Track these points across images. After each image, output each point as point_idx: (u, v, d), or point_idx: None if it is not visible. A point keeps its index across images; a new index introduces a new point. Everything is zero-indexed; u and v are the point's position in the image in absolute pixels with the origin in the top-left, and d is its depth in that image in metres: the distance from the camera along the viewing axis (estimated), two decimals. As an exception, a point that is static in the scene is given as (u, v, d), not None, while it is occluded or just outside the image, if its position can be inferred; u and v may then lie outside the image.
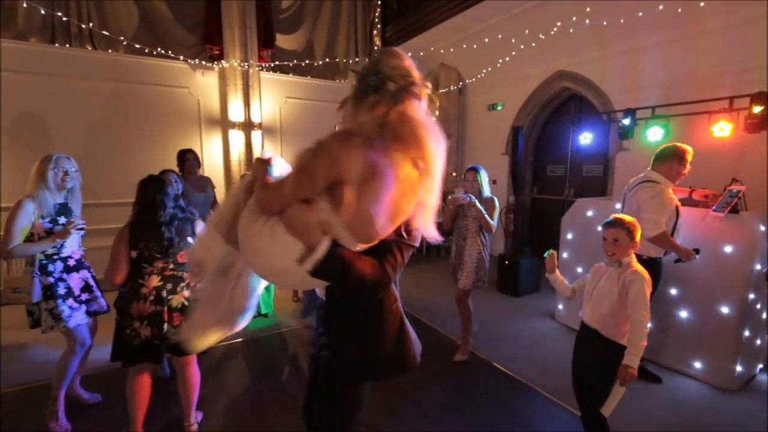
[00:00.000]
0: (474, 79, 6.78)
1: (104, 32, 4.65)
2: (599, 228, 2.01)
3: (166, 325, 1.99)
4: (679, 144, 2.75)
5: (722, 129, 3.41)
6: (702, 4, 3.78)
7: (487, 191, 3.09)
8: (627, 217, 1.90)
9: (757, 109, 3.12)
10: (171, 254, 2.03)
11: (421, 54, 6.57)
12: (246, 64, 5.16)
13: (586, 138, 4.83)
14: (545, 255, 2.18)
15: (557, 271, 2.17)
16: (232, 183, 5.41)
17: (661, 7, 3.98)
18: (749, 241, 2.69)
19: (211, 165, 5.39)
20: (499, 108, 6.66)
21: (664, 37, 4.33)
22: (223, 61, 5.23)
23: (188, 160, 3.65)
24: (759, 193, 3.30)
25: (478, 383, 2.88)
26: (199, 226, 2.10)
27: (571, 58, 5.38)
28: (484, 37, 5.71)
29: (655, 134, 3.77)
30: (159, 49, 4.95)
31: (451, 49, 6.28)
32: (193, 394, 2.21)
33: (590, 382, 1.93)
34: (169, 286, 2.01)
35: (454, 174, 7.44)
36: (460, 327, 3.23)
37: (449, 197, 3.08)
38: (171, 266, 2.03)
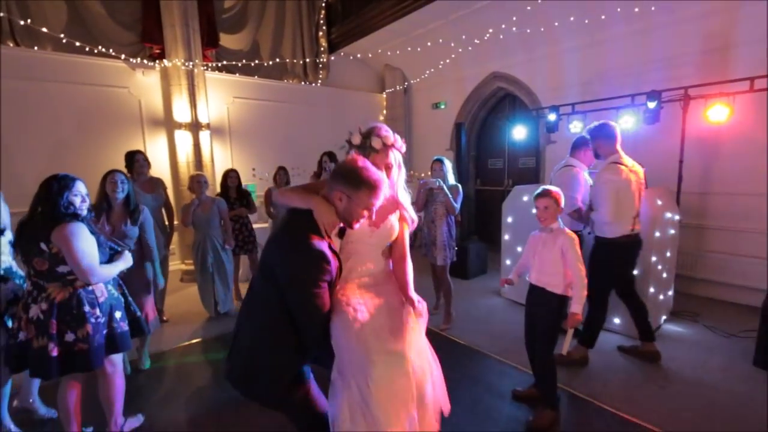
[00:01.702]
0: (418, 80, 7.16)
1: (29, 24, 4.33)
2: (533, 211, 2.38)
3: (22, 334, 1.89)
4: (587, 133, 3.25)
5: (627, 121, 4.02)
6: (603, 17, 4.41)
7: (451, 179, 3.50)
8: (552, 188, 2.29)
9: (651, 104, 3.73)
10: (26, 260, 1.91)
11: (369, 55, 6.82)
12: (190, 63, 5.05)
13: (519, 132, 5.36)
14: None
15: (512, 279, 2.51)
16: (180, 186, 5.26)
17: (572, 18, 4.58)
18: (651, 214, 3.23)
19: (157, 167, 5.17)
20: (443, 107, 7.10)
21: (579, 43, 4.96)
22: (165, 60, 5.07)
23: (138, 161, 3.56)
24: (657, 174, 3.94)
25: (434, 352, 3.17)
26: (65, 230, 1.85)
27: (503, 60, 5.92)
28: (426, 40, 6.09)
29: (575, 127, 4.33)
30: (93, 46, 4.70)
31: (397, 51, 6.59)
32: (111, 404, 2.15)
33: (543, 331, 2.29)
34: (34, 293, 1.92)
35: (412, 172, 7.77)
36: (443, 300, 3.67)
37: (420, 182, 3.44)
38: (32, 272, 1.91)
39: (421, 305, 1.55)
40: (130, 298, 2.25)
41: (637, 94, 3.96)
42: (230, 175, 4.35)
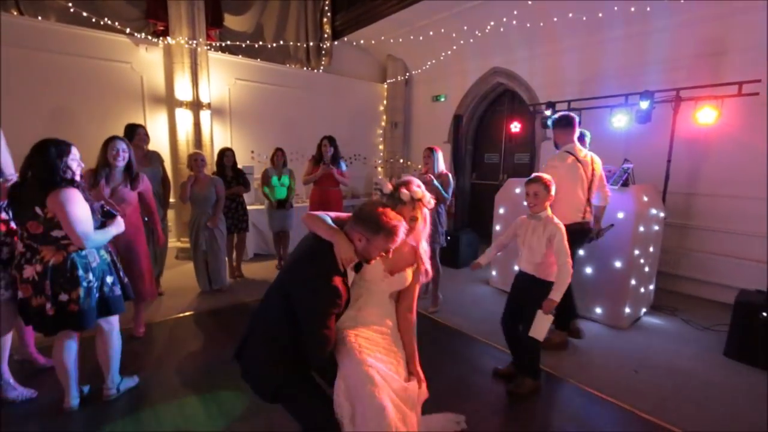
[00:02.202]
0: (419, 71, 7.22)
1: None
2: (525, 203, 2.48)
3: (19, 293, 2.00)
4: (580, 129, 3.35)
5: (620, 120, 4.13)
6: (600, 14, 4.50)
7: (441, 166, 3.66)
8: (544, 175, 2.39)
9: (644, 104, 3.84)
10: (20, 221, 1.97)
11: (373, 42, 6.85)
12: (194, 42, 5.08)
13: (516, 127, 5.46)
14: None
15: (483, 262, 2.63)
16: (179, 164, 5.31)
17: (570, 14, 4.66)
18: (636, 209, 3.35)
19: (157, 144, 5.21)
20: (443, 99, 7.17)
21: (578, 42, 5.05)
22: (168, 38, 5.09)
23: (138, 134, 3.60)
24: (646, 172, 4.06)
25: (421, 334, 3.28)
26: (60, 196, 1.90)
27: (504, 56, 5.99)
28: (429, 30, 6.14)
29: (570, 124, 4.42)
30: (97, 18, 4.71)
31: (400, 40, 6.62)
32: (107, 362, 2.25)
33: (528, 315, 2.38)
34: (27, 255, 1.97)
35: (401, 161, 7.86)
36: (431, 284, 3.77)
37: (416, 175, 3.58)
38: (26, 234, 1.95)
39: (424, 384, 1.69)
40: (118, 264, 2.30)
41: (631, 94, 4.06)
42: (226, 154, 4.41)
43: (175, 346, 3.06)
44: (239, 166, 4.66)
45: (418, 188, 1.67)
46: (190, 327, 3.39)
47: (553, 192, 2.37)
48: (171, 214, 5.34)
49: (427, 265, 1.75)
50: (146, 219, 3.13)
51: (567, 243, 2.32)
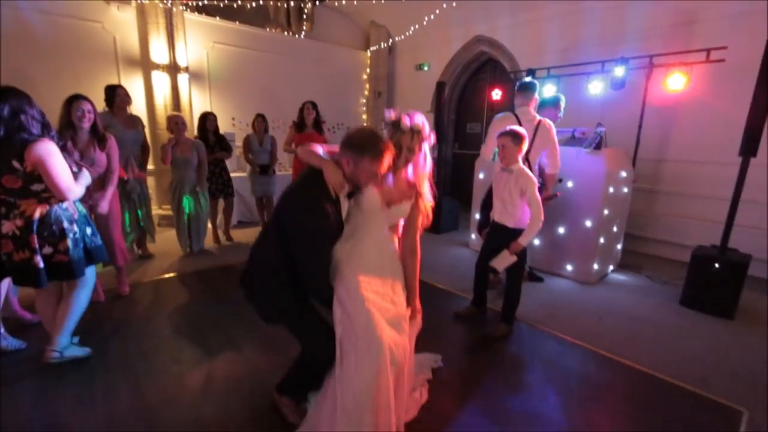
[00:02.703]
0: (403, 38, 7.13)
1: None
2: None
3: None
4: (556, 94, 3.46)
5: (596, 86, 4.25)
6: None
7: None
8: (516, 128, 2.50)
9: (619, 71, 3.95)
10: None
11: (355, 2, 6.67)
12: (168, 1, 4.88)
13: (497, 95, 5.52)
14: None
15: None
16: (157, 129, 5.20)
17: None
18: (606, 171, 3.52)
19: (133, 108, 5.08)
20: (426, 68, 7.14)
21: (560, 10, 5.09)
22: (141, -4, 4.88)
23: (119, 95, 3.50)
24: (618, 137, 4.23)
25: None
26: (41, 149, 1.85)
27: (488, 23, 5.98)
28: (413, -5, 6.03)
29: (549, 91, 4.52)
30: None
31: (383, 1, 6.45)
32: (63, 319, 2.17)
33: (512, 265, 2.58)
34: (2, 210, 1.92)
35: (384, 131, 7.84)
36: None
37: None
38: (1, 189, 1.89)
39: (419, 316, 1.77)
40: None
41: (607, 61, 4.17)
42: (208, 118, 4.35)
43: (164, 303, 3.12)
44: (222, 132, 4.62)
45: (418, 121, 1.65)
46: (177, 287, 3.45)
47: (523, 145, 2.48)
48: (151, 181, 5.26)
49: (427, 205, 1.74)
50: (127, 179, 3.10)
51: (538, 192, 2.48)
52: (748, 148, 2.82)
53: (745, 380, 2.29)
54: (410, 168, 1.70)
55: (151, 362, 2.30)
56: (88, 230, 2.20)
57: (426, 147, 1.70)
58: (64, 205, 2.04)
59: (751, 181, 3.33)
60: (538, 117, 3.24)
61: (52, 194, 1.96)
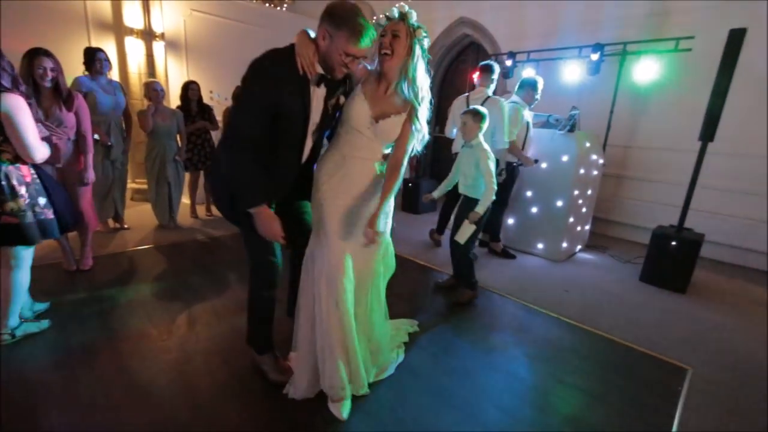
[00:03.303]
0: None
1: None
2: None
3: None
4: (534, 77, 3.58)
5: (573, 71, 4.39)
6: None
7: None
8: (477, 107, 2.65)
9: (594, 56, 4.09)
10: None
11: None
12: (143, -38, 4.65)
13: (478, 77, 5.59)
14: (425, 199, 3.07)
15: (431, 195, 2.98)
16: (132, 98, 5.00)
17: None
18: (578, 153, 3.68)
19: (105, 75, 4.89)
20: (409, 49, 7.10)
21: (542, -6, 5.17)
22: (113, -45, 4.62)
23: (99, 59, 3.35)
24: (591, 121, 4.40)
25: None
26: (10, 101, 1.77)
27: (471, 6, 6.01)
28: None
29: (527, 74, 4.63)
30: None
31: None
32: (6, 298, 2.03)
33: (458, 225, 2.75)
34: None
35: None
36: None
37: None
38: None
39: (377, 236, 1.62)
40: (53, 190, 2.15)
41: (584, 47, 4.30)
42: (191, 87, 4.25)
43: (140, 274, 3.10)
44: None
45: (409, 10, 1.53)
46: (149, 259, 3.41)
47: (482, 122, 2.61)
48: (124, 152, 5.10)
49: (422, 122, 1.61)
50: (96, 138, 2.97)
51: (493, 167, 2.61)
52: (707, 132, 3.02)
53: (692, 344, 2.52)
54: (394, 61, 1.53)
55: (128, 327, 2.30)
56: (41, 200, 2.03)
57: (417, 49, 1.53)
58: (17, 164, 1.91)
59: (707, 168, 3.57)
60: (488, 94, 3.54)
61: (6, 150, 1.85)
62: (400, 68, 1.55)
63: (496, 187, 2.60)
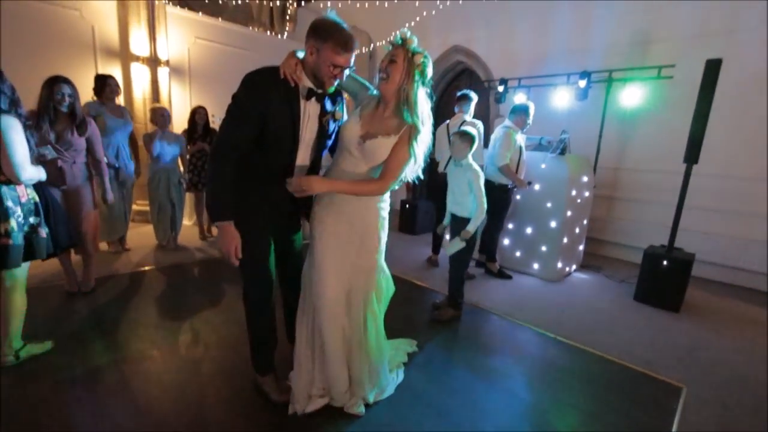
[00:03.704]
0: (383, 42, 7.33)
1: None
2: None
3: None
4: (526, 102, 3.74)
5: (562, 97, 4.57)
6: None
7: None
8: (465, 129, 2.79)
9: (582, 82, 4.28)
10: None
11: (339, 5, 6.84)
12: (151, -7, 4.87)
13: (456, 104, 5.80)
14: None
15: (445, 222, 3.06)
16: (135, 122, 5.12)
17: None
18: (570, 175, 3.80)
19: (110, 100, 5.02)
20: (405, 74, 7.35)
21: (531, 24, 5.43)
22: (123, -13, 4.84)
23: (110, 85, 3.54)
24: (581, 145, 4.55)
25: None
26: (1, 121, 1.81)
27: (465, 34, 6.27)
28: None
29: (519, 99, 4.81)
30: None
31: (366, 5, 6.64)
32: (6, 321, 2.05)
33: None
34: None
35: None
36: None
37: None
38: None
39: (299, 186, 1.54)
40: (50, 210, 2.20)
41: (572, 74, 4.50)
42: (199, 111, 4.42)
43: (142, 294, 3.12)
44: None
45: (411, 37, 1.58)
46: (155, 278, 3.44)
47: (472, 143, 2.73)
48: (125, 174, 5.18)
49: (418, 149, 1.60)
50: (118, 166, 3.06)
51: (483, 184, 2.73)
52: (690, 155, 3.15)
53: (686, 362, 2.56)
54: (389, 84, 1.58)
55: (130, 348, 2.33)
56: (33, 219, 2.04)
57: (415, 70, 1.55)
58: (13, 185, 1.94)
59: (696, 189, 3.69)
60: (464, 119, 3.88)
61: (2, 171, 1.87)
62: (396, 91, 1.59)
63: (486, 206, 2.70)
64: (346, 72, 1.58)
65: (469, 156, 2.77)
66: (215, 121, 6.06)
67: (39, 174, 2.03)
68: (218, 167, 1.54)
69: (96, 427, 1.69)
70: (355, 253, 1.74)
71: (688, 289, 3.39)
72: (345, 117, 1.79)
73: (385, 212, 1.81)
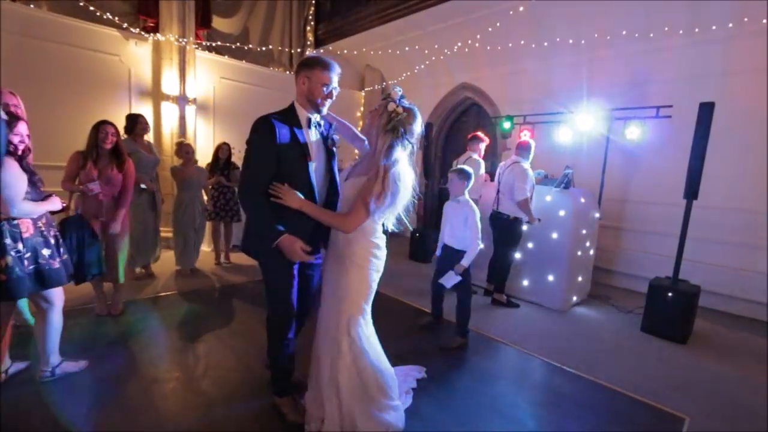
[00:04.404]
0: (395, 82, 7.75)
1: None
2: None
3: None
4: (528, 140, 3.97)
5: (565, 133, 4.79)
6: (546, 43, 5.20)
7: None
8: (463, 167, 3.00)
9: (585, 121, 4.50)
10: None
11: (355, 52, 7.32)
12: (184, 40, 5.34)
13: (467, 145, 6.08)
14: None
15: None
16: (163, 155, 5.50)
17: (522, 42, 5.37)
18: (574, 209, 3.95)
19: (141, 135, 5.42)
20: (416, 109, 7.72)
21: (536, 66, 5.75)
22: (158, 35, 5.33)
23: (140, 123, 3.88)
24: (585, 179, 4.72)
25: (382, 311, 3.74)
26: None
27: (472, 73, 6.63)
28: (404, 46, 6.69)
29: (525, 135, 5.05)
30: (90, 9, 4.90)
31: (379, 52, 7.13)
32: (42, 339, 2.22)
33: (461, 282, 2.99)
34: None
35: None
36: None
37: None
38: None
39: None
40: (65, 241, 2.34)
41: (571, 112, 4.73)
42: (222, 147, 4.76)
43: (165, 318, 3.31)
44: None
45: (394, 90, 1.86)
46: (177, 303, 3.64)
47: (468, 180, 2.95)
48: (150, 203, 5.50)
49: (387, 184, 1.71)
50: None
51: (478, 221, 2.91)
52: (690, 191, 3.29)
53: (691, 394, 2.61)
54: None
55: (155, 370, 2.49)
56: (45, 252, 2.12)
57: (391, 118, 1.74)
58: (15, 221, 2.01)
59: (702, 221, 3.79)
60: (471, 156, 4.35)
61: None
62: (374, 136, 1.82)
63: (481, 244, 2.90)
64: (335, 92, 1.85)
65: (466, 192, 2.97)
66: (236, 154, 6.43)
67: (36, 208, 2.10)
68: (252, 203, 1.79)
69: (129, 442, 1.84)
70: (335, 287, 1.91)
71: (697, 320, 3.44)
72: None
73: (375, 252, 1.88)
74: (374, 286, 1.95)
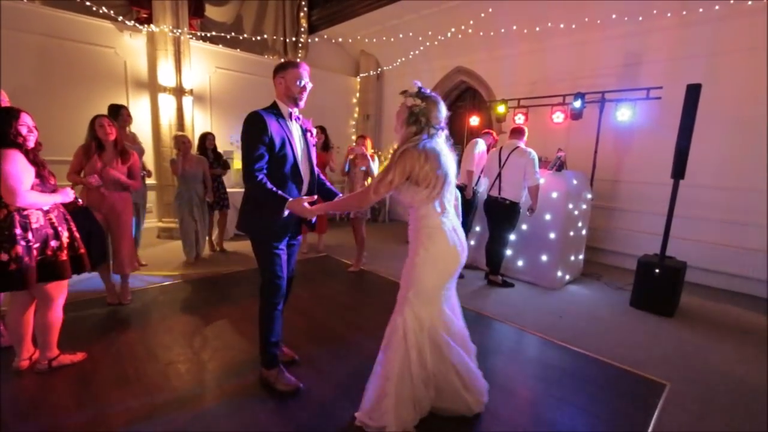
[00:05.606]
0: (390, 67, 7.76)
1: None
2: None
3: None
4: (523, 125, 4.05)
5: (558, 117, 4.87)
6: (539, 28, 5.23)
7: (369, 150, 4.26)
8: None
9: (577, 104, 4.58)
10: None
11: (350, 40, 7.31)
12: (178, 31, 5.34)
13: (475, 121, 6.14)
14: None
15: None
16: (162, 147, 5.57)
17: (515, 27, 5.38)
18: (566, 190, 4.07)
19: (139, 128, 5.45)
20: (411, 94, 7.74)
21: (530, 48, 5.77)
22: (152, 26, 5.32)
23: (122, 115, 3.88)
24: (578, 161, 4.83)
25: (363, 286, 3.90)
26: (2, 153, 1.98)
27: (467, 56, 6.65)
28: (399, 31, 6.68)
29: (519, 119, 5.13)
30: (83, 2, 4.89)
31: (374, 39, 7.13)
32: (41, 332, 2.24)
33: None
34: None
35: (378, 152, 8.39)
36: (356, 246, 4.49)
37: (349, 147, 4.56)
38: None
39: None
40: (76, 234, 2.34)
41: (567, 95, 4.80)
42: (208, 138, 4.78)
43: (170, 306, 3.46)
44: (219, 150, 5.04)
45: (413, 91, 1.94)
46: (178, 293, 3.78)
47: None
48: (152, 195, 5.60)
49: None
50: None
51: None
52: (677, 171, 3.41)
53: (673, 362, 2.78)
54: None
55: (162, 356, 2.63)
56: (53, 243, 2.16)
57: (414, 115, 1.86)
58: (25, 212, 2.06)
59: (687, 199, 3.90)
60: (517, 144, 4.04)
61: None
62: (399, 132, 1.93)
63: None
64: (309, 86, 2.10)
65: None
66: (233, 142, 6.50)
67: (44, 199, 2.13)
68: (256, 181, 1.97)
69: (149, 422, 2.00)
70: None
71: (684, 295, 3.60)
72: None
73: (428, 230, 1.85)
74: (425, 281, 1.87)
